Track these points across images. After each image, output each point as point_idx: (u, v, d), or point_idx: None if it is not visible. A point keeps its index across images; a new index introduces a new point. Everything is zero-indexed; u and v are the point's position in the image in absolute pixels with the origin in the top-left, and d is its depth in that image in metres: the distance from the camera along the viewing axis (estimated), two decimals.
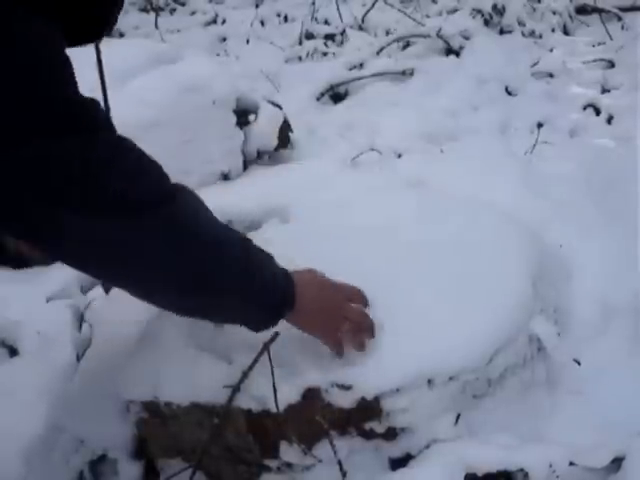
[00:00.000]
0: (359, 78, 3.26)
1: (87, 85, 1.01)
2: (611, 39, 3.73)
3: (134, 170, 0.80)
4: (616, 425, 1.08)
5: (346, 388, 1.01)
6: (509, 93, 3.01)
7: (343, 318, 1.01)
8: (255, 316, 0.95)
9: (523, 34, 3.80)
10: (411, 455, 1.04)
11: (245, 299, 0.90)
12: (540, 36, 3.82)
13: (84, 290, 1.58)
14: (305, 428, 1.04)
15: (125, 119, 1.95)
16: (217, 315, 0.97)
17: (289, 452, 1.05)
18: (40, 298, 1.50)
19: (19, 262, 1.22)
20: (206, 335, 1.09)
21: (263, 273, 0.92)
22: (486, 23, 3.77)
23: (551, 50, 3.57)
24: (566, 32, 4.03)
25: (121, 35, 4.94)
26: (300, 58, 3.92)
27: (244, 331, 0.97)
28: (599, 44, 3.68)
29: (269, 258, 0.95)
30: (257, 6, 5.31)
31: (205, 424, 1.07)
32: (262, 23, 4.96)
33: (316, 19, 4.44)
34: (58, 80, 0.75)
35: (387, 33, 4.09)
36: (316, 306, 0.98)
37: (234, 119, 2.30)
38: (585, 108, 2.74)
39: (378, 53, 3.61)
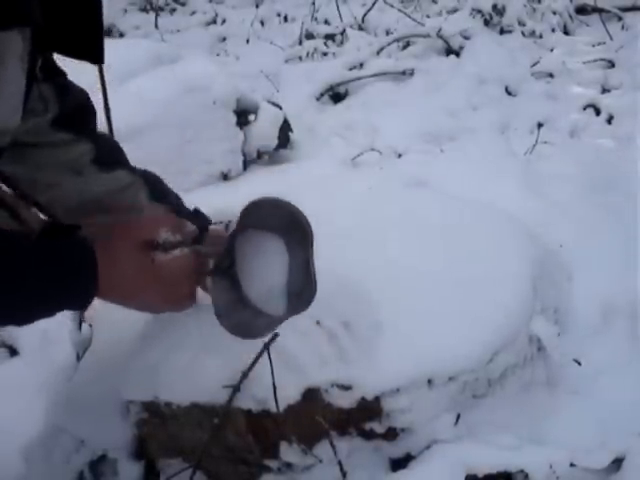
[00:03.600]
0: (359, 78, 3.26)
1: (87, 85, 1.01)
2: (611, 39, 3.73)
3: None
4: (616, 425, 1.08)
5: (346, 388, 1.01)
6: (509, 93, 3.01)
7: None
8: (65, 307, 0.85)
9: (523, 34, 3.80)
10: (411, 455, 1.04)
11: (47, 304, 0.81)
12: (540, 36, 3.82)
13: None
14: (305, 428, 1.04)
15: (125, 119, 1.96)
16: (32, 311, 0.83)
17: (289, 452, 1.05)
18: None
19: None
20: (206, 335, 1.09)
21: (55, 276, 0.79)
22: (486, 23, 3.77)
23: (551, 50, 3.57)
24: (566, 32, 4.03)
25: (121, 35, 4.95)
26: (300, 58, 3.92)
27: None
28: (599, 44, 3.68)
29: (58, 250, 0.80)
30: (257, 6, 5.32)
31: (205, 424, 1.07)
32: (262, 23, 4.97)
33: (316, 19, 4.44)
34: None
35: (387, 33, 4.10)
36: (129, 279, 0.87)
37: (234, 119, 2.31)
38: (585, 108, 2.74)
39: (378, 53, 3.61)
